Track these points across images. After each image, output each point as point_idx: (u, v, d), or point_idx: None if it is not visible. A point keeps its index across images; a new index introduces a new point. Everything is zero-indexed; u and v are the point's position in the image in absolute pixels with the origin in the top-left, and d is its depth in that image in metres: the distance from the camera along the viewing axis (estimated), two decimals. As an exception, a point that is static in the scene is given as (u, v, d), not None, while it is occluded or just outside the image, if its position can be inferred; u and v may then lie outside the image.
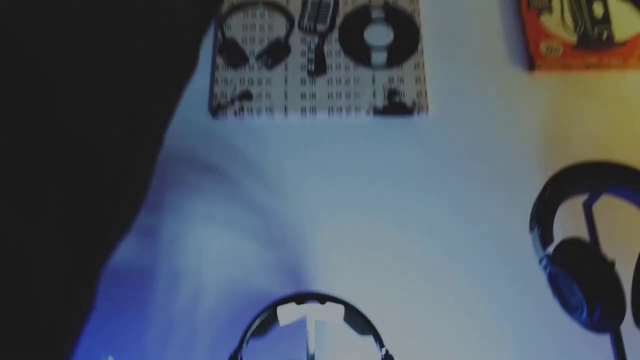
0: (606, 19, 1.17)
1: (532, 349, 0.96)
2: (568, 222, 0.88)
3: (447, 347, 0.97)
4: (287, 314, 0.78)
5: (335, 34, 1.16)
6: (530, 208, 0.87)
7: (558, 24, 1.17)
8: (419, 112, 1.12)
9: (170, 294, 1.01)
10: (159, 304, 1.00)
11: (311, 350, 0.76)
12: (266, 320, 0.77)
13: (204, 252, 1.04)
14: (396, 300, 0.99)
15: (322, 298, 0.77)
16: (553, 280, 0.84)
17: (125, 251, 1.07)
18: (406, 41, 1.16)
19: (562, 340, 0.95)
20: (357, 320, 0.77)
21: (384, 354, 0.73)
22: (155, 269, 1.02)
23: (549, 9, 1.18)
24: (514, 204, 1.04)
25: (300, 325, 0.84)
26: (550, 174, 0.87)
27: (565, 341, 0.95)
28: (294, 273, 1.03)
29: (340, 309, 0.77)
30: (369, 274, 1.01)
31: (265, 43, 1.16)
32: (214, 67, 1.16)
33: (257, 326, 0.76)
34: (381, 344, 0.74)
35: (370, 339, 0.77)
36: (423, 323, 0.98)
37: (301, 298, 0.77)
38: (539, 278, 0.90)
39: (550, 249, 0.82)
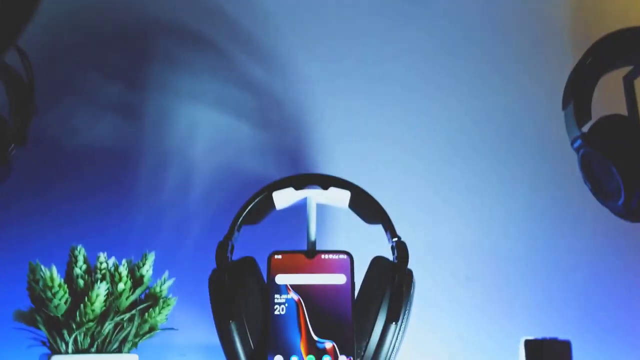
0: None
1: (546, 235, 0.90)
2: (604, 102, 0.77)
3: (460, 232, 0.90)
4: (284, 198, 0.68)
5: None
6: (561, 85, 0.76)
7: None
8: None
9: (158, 180, 0.92)
10: (146, 190, 0.92)
11: (312, 237, 0.67)
12: (260, 205, 0.67)
13: (193, 133, 0.94)
14: (407, 185, 0.91)
15: (325, 182, 0.67)
16: (586, 163, 0.74)
17: (107, 133, 0.99)
18: None
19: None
20: (366, 207, 0.67)
21: (396, 243, 0.64)
22: (140, 153, 0.93)
23: None
24: (539, 80, 0.94)
25: (299, 211, 0.75)
26: (584, 47, 0.75)
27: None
28: (293, 156, 0.93)
29: (346, 194, 0.67)
30: (379, 158, 0.92)
31: None
32: None
33: (249, 212, 0.66)
34: (393, 233, 0.65)
35: (379, 227, 0.68)
36: (437, 206, 0.91)
37: (301, 182, 0.67)
38: (562, 161, 0.84)
39: (586, 128, 0.71)
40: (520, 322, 0.87)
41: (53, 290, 0.57)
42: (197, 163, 0.93)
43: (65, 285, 0.59)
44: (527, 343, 0.44)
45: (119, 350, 0.61)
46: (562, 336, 0.46)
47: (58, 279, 0.58)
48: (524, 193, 0.92)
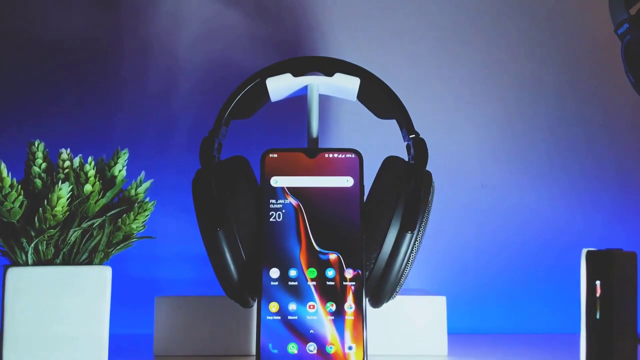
0: None
1: (571, 142, 0.83)
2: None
3: (477, 136, 0.82)
4: (280, 87, 0.57)
5: None
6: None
7: None
8: None
9: (137, 75, 0.82)
10: (128, 86, 0.82)
11: (314, 133, 0.57)
12: (251, 95, 0.57)
13: (179, 22, 0.83)
14: (419, 81, 0.81)
15: (330, 66, 0.56)
16: (632, 52, 0.66)
17: (77, 21, 0.87)
18: None
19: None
20: (378, 98, 0.57)
21: (413, 140, 0.54)
22: (116, 44, 0.82)
23: None
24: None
25: (299, 103, 0.66)
26: None
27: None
28: (291, 49, 0.83)
29: (355, 82, 0.56)
30: (388, 48, 0.82)
31: None
32: None
33: (239, 104, 0.56)
34: (409, 129, 0.55)
35: (392, 123, 0.58)
36: (453, 105, 0.82)
37: (300, 66, 0.56)
38: (594, 58, 0.75)
39: (634, 10, 0.61)
40: (538, 231, 0.81)
41: (4, 192, 0.48)
42: (181, 56, 0.83)
43: (19, 187, 0.49)
44: (589, 254, 0.36)
45: (89, 261, 0.53)
46: (586, 245, 0.38)
47: (9, 179, 0.48)
48: (548, 96, 0.83)
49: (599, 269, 0.35)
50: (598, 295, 0.34)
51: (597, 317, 0.34)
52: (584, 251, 0.36)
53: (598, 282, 0.34)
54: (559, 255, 0.80)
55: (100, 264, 0.53)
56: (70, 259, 0.52)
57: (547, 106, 0.82)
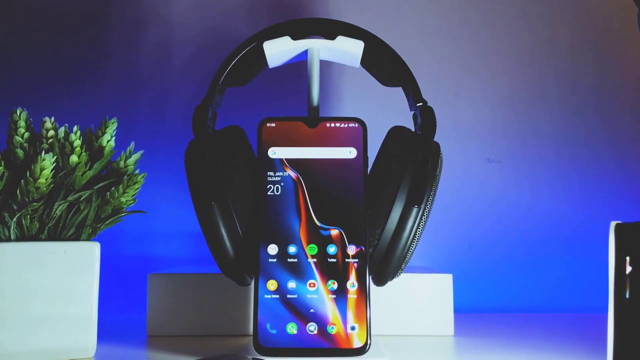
0: None
1: (578, 118, 0.79)
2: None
3: (482, 109, 0.78)
4: (278, 51, 0.54)
5: None
6: None
7: None
8: None
9: (131, 45, 0.79)
10: (122, 57, 0.79)
11: (314, 101, 0.54)
12: (248, 61, 0.53)
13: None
14: (425, 51, 0.78)
15: (332, 28, 0.53)
16: None
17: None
18: None
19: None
20: (384, 63, 0.53)
21: (420, 109, 0.51)
22: (113, 10, 0.79)
23: None
24: None
25: (298, 70, 0.62)
26: None
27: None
28: (289, 14, 0.79)
29: (358, 46, 0.53)
30: (393, 10, 0.79)
31: None
32: None
33: (234, 70, 0.53)
34: (417, 97, 0.52)
35: (398, 91, 0.55)
36: (459, 77, 0.79)
37: (300, 28, 0.53)
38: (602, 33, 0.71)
39: None
40: (549, 208, 0.78)
41: (-18, 162, 0.45)
42: (175, 23, 0.79)
43: (0, 157, 0.46)
44: (618, 227, 0.33)
45: (76, 237, 0.50)
46: (600, 222, 0.35)
47: (-12, 148, 0.45)
48: (562, 62, 0.79)
49: (629, 244, 0.32)
50: (628, 272, 0.32)
51: (627, 296, 0.31)
52: (613, 224, 0.33)
53: (628, 258, 0.32)
54: (571, 232, 0.77)
55: (88, 239, 0.50)
56: (56, 234, 0.49)
57: (559, 74, 0.79)
